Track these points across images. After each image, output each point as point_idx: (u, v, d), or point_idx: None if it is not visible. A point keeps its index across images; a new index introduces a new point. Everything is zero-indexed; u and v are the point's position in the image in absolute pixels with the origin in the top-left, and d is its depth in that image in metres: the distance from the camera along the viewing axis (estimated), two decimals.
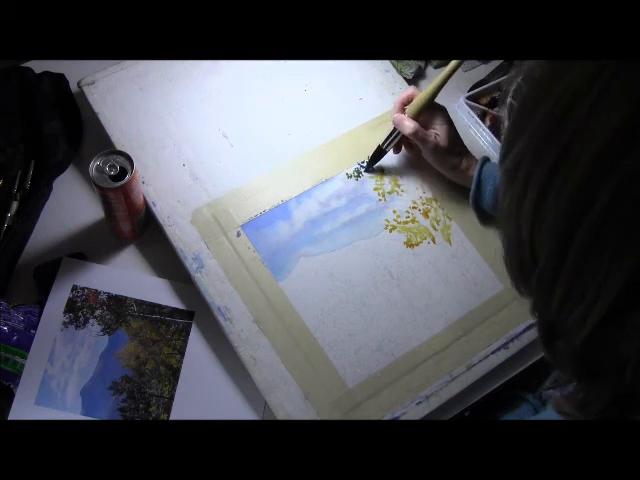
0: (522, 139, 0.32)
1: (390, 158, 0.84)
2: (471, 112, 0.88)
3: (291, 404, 0.69)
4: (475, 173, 0.76)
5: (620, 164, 0.27)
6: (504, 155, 0.34)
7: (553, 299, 0.33)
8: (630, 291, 0.29)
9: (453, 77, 0.81)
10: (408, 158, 0.84)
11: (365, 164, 0.83)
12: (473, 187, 0.77)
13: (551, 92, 0.30)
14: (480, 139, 0.89)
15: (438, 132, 0.77)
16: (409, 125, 0.77)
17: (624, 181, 0.27)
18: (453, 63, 0.75)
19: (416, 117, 0.77)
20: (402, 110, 0.79)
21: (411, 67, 0.92)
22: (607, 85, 0.27)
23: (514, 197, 0.33)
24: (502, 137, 0.35)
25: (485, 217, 0.80)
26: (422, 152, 0.79)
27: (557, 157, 0.30)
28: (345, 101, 0.87)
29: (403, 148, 0.83)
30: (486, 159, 0.77)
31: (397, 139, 0.80)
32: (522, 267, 0.35)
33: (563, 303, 0.32)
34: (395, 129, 0.79)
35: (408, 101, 0.79)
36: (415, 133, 0.76)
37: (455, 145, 0.78)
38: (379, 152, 0.82)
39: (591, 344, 0.32)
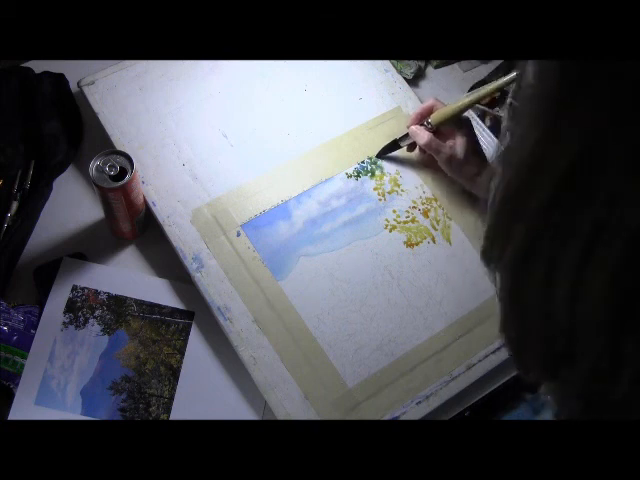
0: (517, 129, 0.33)
1: (391, 158, 0.84)
2: (471, 112, 0.88)
3: (291, 404, 0.69)
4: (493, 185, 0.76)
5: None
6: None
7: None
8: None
9: (453, 77, 0.81)
10: (422, 160, 0.84)
11: (366, 162, 0.83)
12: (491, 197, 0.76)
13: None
14: (480, 139, 0.88)
15: (456, 143, 0.77)
16: (423, 137, 0.78)
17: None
18: (493, 86, 0.75)
19: (438, 127, 0.78)
20: (419, 119, 0.80)
21: (411, 67, 0.92)
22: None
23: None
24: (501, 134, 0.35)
25: None
26: (438, 162, 0.80)
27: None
28: (345, 101, 0.87)
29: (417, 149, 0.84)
30: None
31: (412, 140, 0.81)
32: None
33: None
34: None
35: (427, 112, 0.79)
36: (429, 145, 0.78)
37: (473, 157, 0.78)
38: (393, 144, 0.83)
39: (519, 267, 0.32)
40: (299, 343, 0.72)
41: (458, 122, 0.78)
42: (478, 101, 0.77)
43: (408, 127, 0.81)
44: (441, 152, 0.77)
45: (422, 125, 0.79)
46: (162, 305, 0.74)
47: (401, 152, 0.84)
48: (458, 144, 0.77)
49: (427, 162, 0.83)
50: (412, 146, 0.83)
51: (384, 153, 0.84)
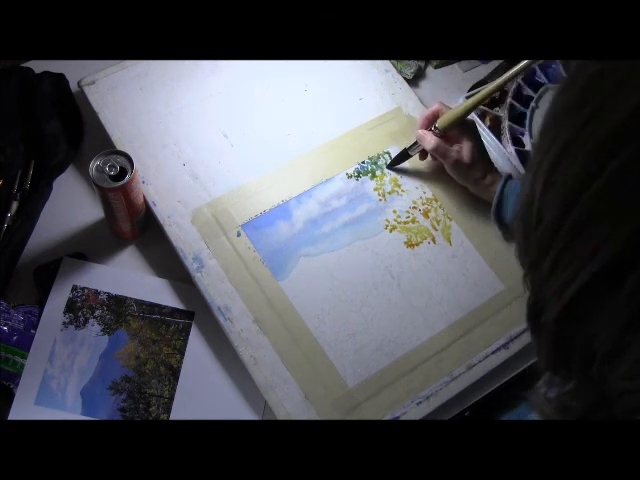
0: (556, 106, 0.34)
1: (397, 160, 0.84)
2: (472, 113, 0.88)
3: (291, 404, 0.69)
4: (498, 187, 0.76)
5: (633, 141, 0.28)
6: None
7: (545, 262, 0.34)
8: (616, 264, 0.29)
9: (453, 77, 0.80)
10: (434, 169, 0.84)
11: (367, 162, 0.83)
12: (495, 200, 0.76)
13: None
14: (482, 140, 0.88)
15: (463, 147, 0.77)
16: (430, 141, 0.78)
17: (633, 157, 0.28)
18: (493, 86, 0.75)
19: (445, 131, 0.78)
20: (427, 124, 0.80)
21: (411, 67, 0.92)
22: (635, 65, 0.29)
23: (538, 154, 0.34)
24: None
25: (506, 232, 0.78)
26: (445, 166, 0.80)
27: (580, 124, 0.31)
28: (345, 101, 0.87)
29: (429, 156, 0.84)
30: (510, 176, 0.77)
31: (421, 147, 0.81)
32: (526, 228, 0.36)
33: (553, 267, 0.33)
34: None
35: (434, 116, 0.79)
36: (436, 149, 0.78)
37: (478, 160, 0.78)
38: (404, 154, 0.83)
39: (564, 321, 0.34)
40: (299, 343, 0.72)
41: (464, 126, 0.79)
42: (482, 102, 0.76)
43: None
44: (448, 156, 0.78)
45: (430, 130, 0.79)
46: (162, 305, 0.74)
47: (413, 162, 0.84)
48: (464, 148, 0.77)
49: (439, 170, 0.83)
50: (423, 155, 0.83)
51: (395, 164, 0.83)
